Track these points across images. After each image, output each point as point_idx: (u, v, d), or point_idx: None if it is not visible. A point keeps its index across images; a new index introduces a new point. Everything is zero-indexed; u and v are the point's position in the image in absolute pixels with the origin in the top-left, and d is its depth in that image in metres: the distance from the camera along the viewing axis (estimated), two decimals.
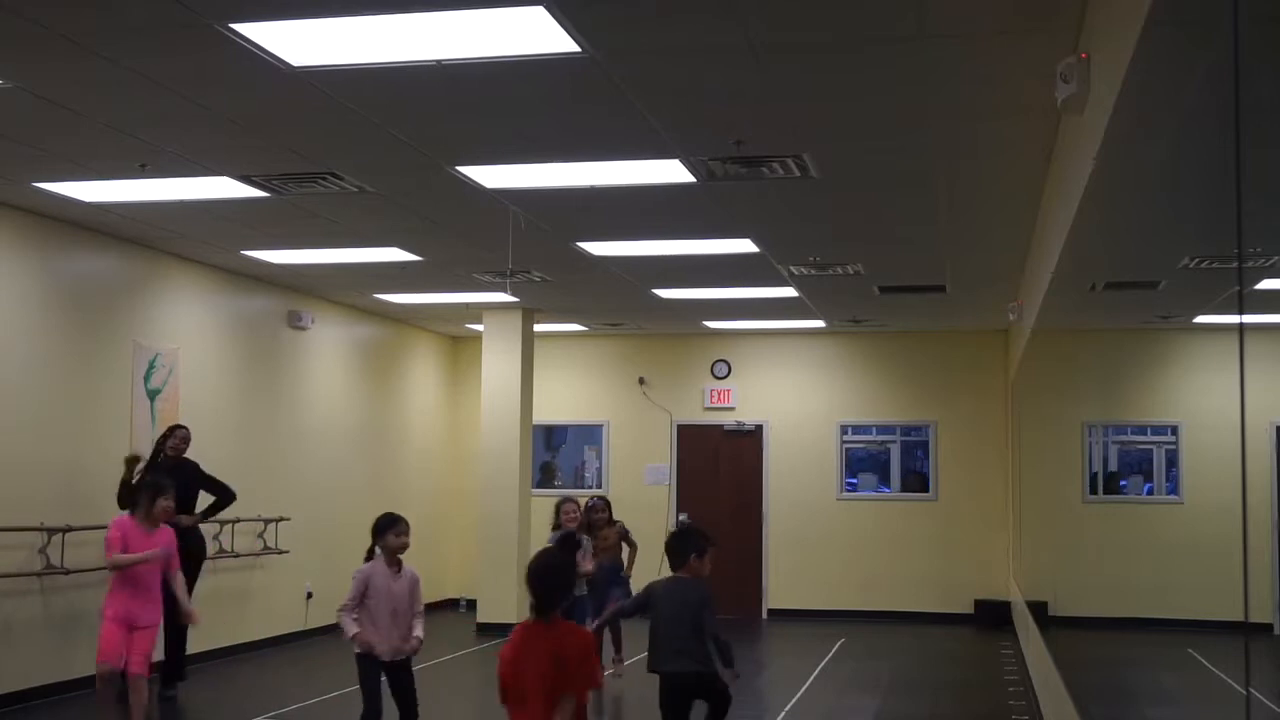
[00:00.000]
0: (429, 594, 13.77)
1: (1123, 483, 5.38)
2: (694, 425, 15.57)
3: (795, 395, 15.34)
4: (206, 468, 9.68)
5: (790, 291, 11.91)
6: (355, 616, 6.61)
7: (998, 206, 8.38)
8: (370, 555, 6.80)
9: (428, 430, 15.50)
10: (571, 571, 4.98)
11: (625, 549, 10.44)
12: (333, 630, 12.79)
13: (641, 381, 15.65)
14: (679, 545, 6.40)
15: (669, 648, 6.16)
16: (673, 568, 6.39)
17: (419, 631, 6.76)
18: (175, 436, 9.50)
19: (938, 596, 14.65)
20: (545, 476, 15.79)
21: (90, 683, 7.69)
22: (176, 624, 8.66)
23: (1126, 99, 3.81)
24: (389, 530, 6.76)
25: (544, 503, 14.85)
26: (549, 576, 4.55)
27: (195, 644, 9.77)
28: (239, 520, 10.88)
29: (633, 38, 5.37)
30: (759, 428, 15.42)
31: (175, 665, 9.32)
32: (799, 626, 14.18)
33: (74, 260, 9.46)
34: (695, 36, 5.33)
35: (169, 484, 7.68)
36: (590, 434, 15.98)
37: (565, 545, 8.64)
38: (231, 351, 11.39)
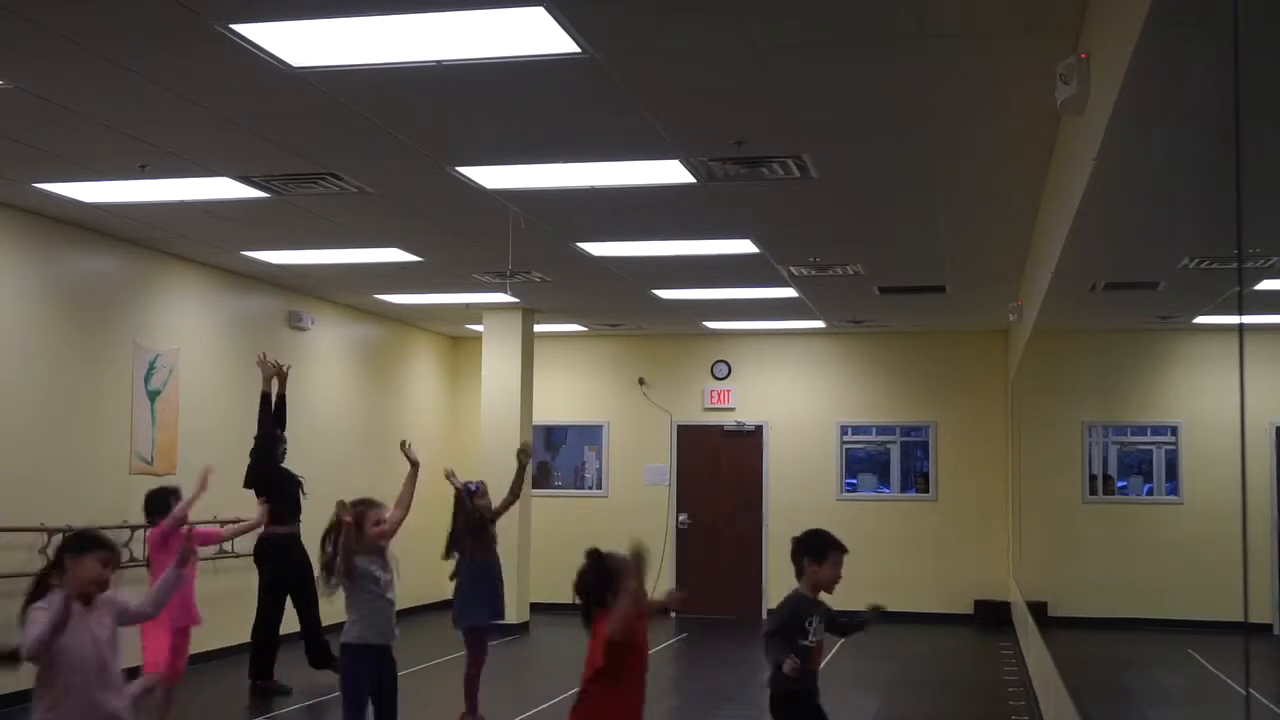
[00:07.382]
0: (426, 595, 13.85)
1: (1122, 483, 5.38)
2: (694, 425, 15.56)
3: (795, 396, 15.33)
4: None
5: (790, 292, 11.91)
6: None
7: (998, 206, 8.38)
8: None
9: (428, 431, 15.47)
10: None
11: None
12: (334, 629, 12.78)
13: (641, 382, 15.64)
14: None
15: None
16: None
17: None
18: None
19: (938, 596, 14.63)
20: (541, 476, 15.76)
21: None
22: None
23: (1126, 99, 3.80)
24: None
25: (543, 503, 14.92)
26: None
27: (194, 644, 9.73)
28: (238, 520, 10.85)
29: (633, 38, 5.37)
30: (759, 428, 15.40)
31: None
32: None
33: (74, 260, 9.45)
34: (695, 36, 5.33)
35: None
36: (590, 434, 15.96)
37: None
38: (232, 352, 11.38)
